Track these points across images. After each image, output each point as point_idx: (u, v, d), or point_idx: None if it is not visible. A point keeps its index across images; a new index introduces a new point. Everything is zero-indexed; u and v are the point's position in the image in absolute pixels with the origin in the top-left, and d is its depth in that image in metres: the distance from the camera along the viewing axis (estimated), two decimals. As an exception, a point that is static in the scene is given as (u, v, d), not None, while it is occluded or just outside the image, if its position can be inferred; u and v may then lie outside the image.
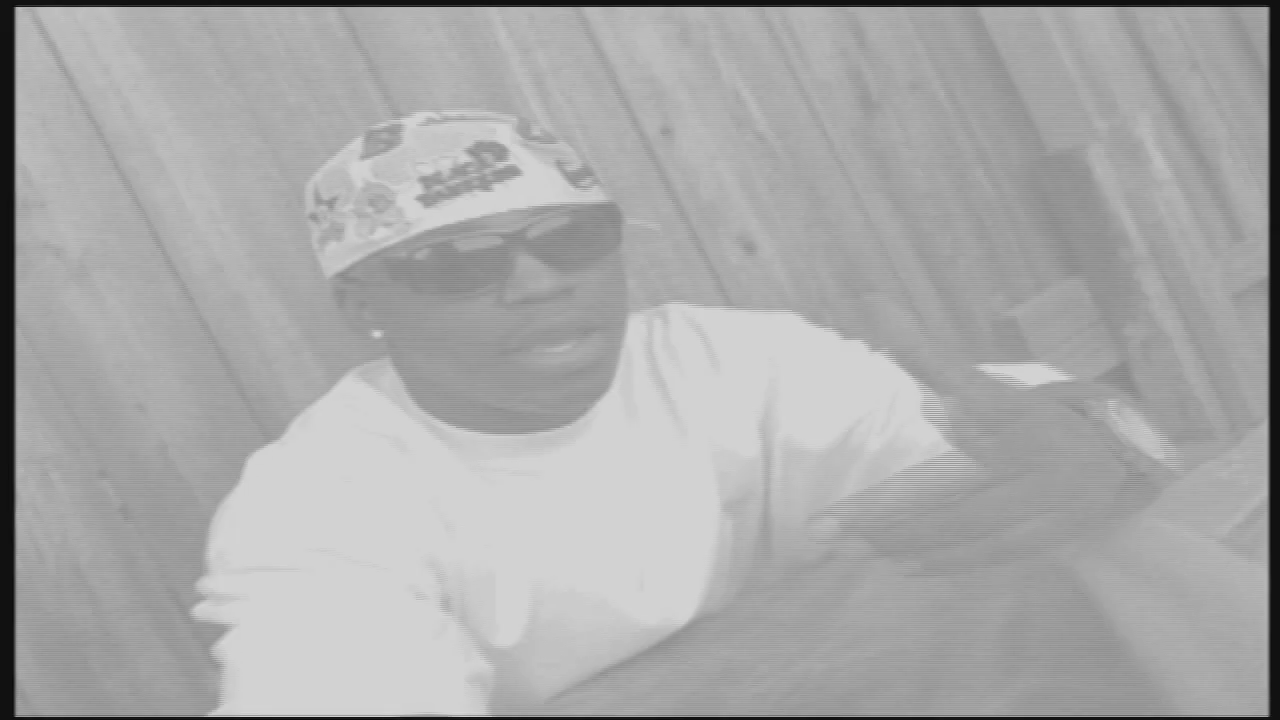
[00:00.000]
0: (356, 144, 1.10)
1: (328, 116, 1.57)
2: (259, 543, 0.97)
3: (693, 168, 1.89)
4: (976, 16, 2.24)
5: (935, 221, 2.13)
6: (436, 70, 1.67)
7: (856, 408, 1.16)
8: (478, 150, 1.05)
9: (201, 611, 0.98)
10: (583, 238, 1.05)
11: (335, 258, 1.10)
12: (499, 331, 1.03)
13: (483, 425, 1.11)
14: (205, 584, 0.99)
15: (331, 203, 1.09)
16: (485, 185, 1.03)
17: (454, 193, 1.02)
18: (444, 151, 1.05)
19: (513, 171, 1.04)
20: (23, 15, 1.39)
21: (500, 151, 1.05)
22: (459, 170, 1.03)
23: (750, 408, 1.20)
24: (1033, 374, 1.19)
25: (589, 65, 1.82)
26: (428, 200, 1.03)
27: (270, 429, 1.47)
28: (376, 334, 1.12)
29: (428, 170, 1.04)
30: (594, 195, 1.09)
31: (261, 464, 1.07)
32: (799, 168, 2.00)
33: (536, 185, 1.04)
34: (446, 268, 1.02)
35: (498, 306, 1.03)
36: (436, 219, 1.02)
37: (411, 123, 1.09)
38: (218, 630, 0.95)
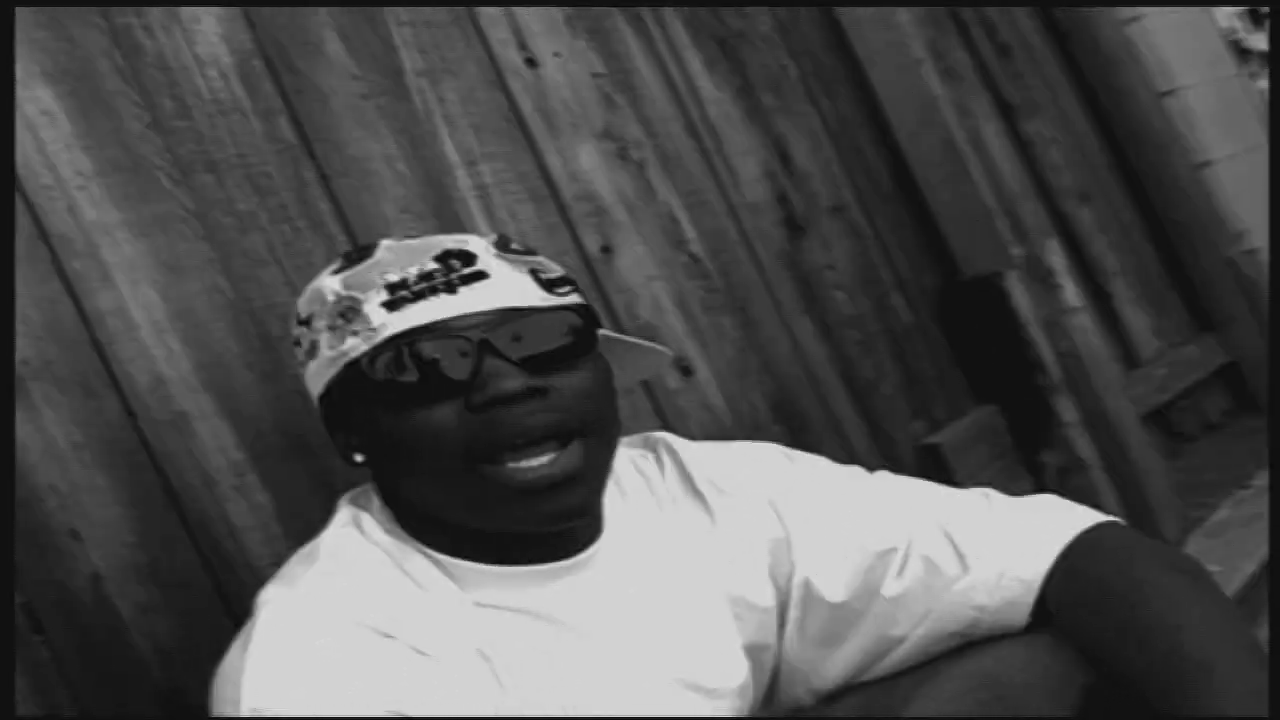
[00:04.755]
0: (335, 263, 1.11)
1: (278, 226, 1.48)
2: (311, 699, 0.88)
3: (631, 287, 1.86)
4: (894, 142, 2.28)
5: (858, 346, 2.14)
6: (385, 180, 1.60)
7: (872, 549, 1.14)
8: (445, 257, 1.04)
9: None
10: (553, 339, 1.03)
11: (316, 376, 1.08)
12: (465, 438, 0.99)
13: (477, 554, 1.04)
14: None
15: (309, 321, 1.09)
16: (450, 289, 1.02)
17: (418, 297, 1.02)
18: (412, 259, 1.04)
19: (479, 276, 1.03)
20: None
21: (468, 258, 1.05)
22: (424, 276, 1.03)
23: (757, 555, 1.16)
24: (1042, 504, 1.17)
25: (532, 180, 1.79)
26: (392, 305, 1.02)
27: (211, 559, 1.36)
28: (359, 458, 1.08)
29: (394, 277, 1.03)
30: (571, 302, 1.08)
31: (283, 611, 0.97)
32: (731, 289, 1.99)
33: (504, 288, 1.03)
34: (410, 372, 1.00)
35: (464, 411, 0.99)
36: (400, 323, 1.01)
37: (388, 240, 1.10)
38: None
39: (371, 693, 0.89)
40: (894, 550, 1.13)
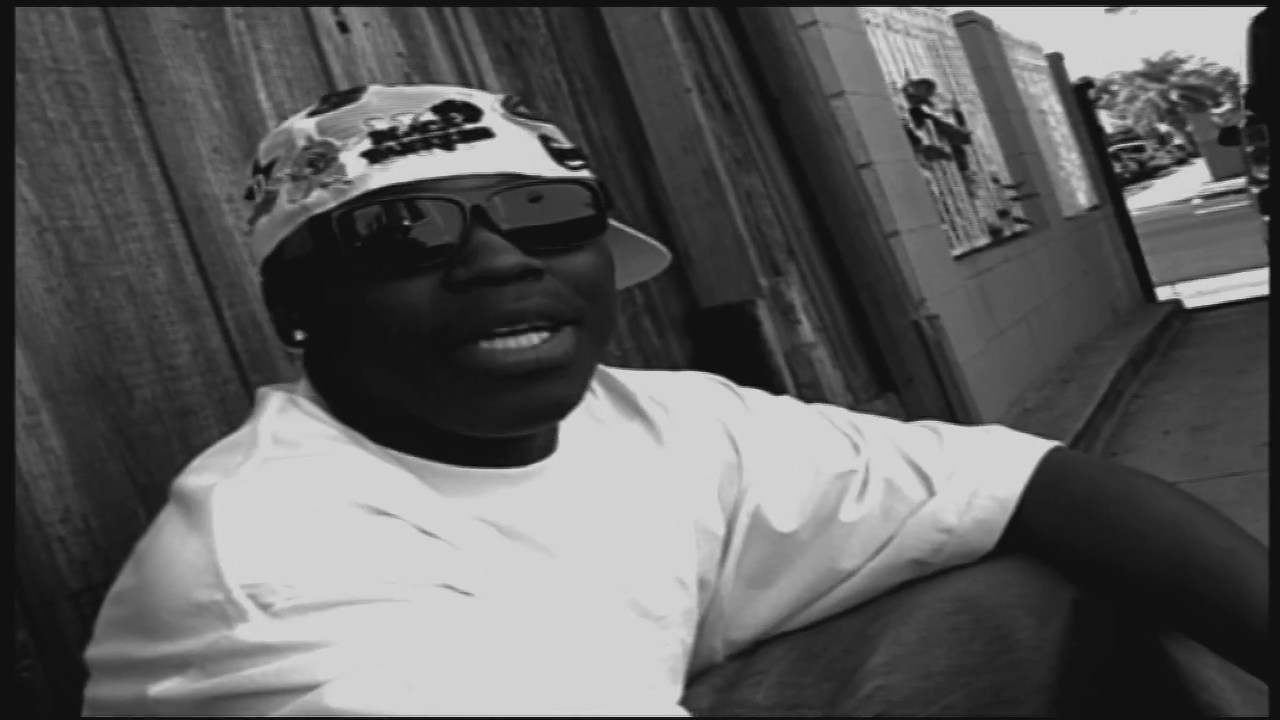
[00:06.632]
0: (312, 105, 0.95)
1: (89, 142, 1.33)
2: (315, 576, 0.72)
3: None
4: (652, 168, 2.32)
5: (616, 360, 2.15)
6: (201, 115, 1.48)
7: (828, 473, 1.09)
8: (446, 109, 0.90)
9: (227, 684, 0.71)
10: (558, 214, 0.89)
11: (265, 235, 0.92)
12: (438, 320, 0.85)
13: (426, 454, 0.91)
14: (220, 639, 0.71)
15: (268, 168, 0.92)
16: (447, 144, 0.87)
17: (407, 150, 0.87)
18: (406, 107, 0.89)
19: (483, 133, 0.89)
20: None
21: (472, 112, 0.90)
22: (419, 127, 0.88)
23: (707, 479, 1.09)
24: (992, 431, 1.15)
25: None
26: (375, 156, 0.86)
27: (-4, 503, 1.18)
28: (299, 337, 0.93)
29: (381, 125, 0.88)
30: (583, 176, 0.94)
31: (246, 492, 0.79)
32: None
33: (508, 151, 0.89)
34: (386, 237, 0.85)
35: (442, 288, 0.85)
36: (381, 178, 0.86)
37: (380, 85, 0.95)
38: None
39: (378, 564, 0.74)
40: (853, 472, 1.07)
